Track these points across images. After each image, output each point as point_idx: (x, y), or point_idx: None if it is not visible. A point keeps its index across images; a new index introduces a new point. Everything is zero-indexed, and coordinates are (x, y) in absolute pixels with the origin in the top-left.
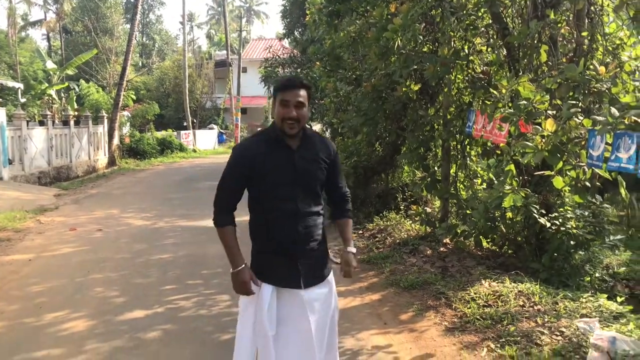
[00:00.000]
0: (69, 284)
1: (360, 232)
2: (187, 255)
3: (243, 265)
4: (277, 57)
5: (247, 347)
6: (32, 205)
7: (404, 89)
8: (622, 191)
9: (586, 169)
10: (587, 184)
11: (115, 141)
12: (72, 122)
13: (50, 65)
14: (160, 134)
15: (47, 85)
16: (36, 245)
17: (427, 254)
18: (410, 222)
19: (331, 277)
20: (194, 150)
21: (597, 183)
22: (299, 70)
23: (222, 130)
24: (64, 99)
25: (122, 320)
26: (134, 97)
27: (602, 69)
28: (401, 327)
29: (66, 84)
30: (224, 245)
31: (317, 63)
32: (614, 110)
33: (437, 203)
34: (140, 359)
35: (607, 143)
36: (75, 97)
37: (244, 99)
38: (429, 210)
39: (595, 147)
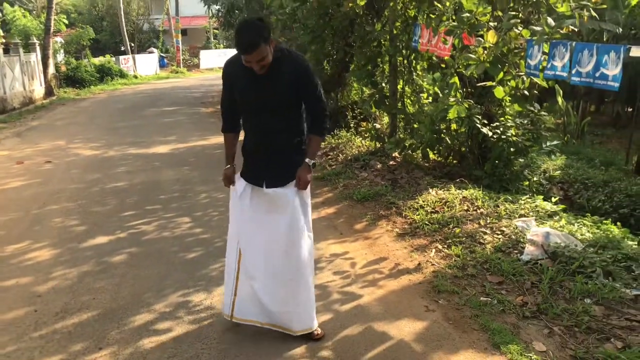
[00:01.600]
0: (25, 216)
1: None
2: (142, 182)
3: (228, 166)
4: None
5: (232, 227)
6: None
7: (350, 4)
8: (559, 99)
9: (525, 79)
10: (526, 92)
11: (51, 70)
12: (0, 51)
13: None
14: (98, 60)
15: None
16: None
17: (377, 168)
18: (361, 138)
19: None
20: (135, 76)
21: (535, 92)
22: None
23: (162, 54)
24: None
25: (86, 247)
26: (66, 22)
27: None
28: (356, 235)
29: None
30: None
31: None
32: (550, 20)
33: (386, 119)
34: (109, 281)
35: (544, 52)
36: (0, 23)
37: (183, 20)
38: (378, 126)
39: (532, 56)
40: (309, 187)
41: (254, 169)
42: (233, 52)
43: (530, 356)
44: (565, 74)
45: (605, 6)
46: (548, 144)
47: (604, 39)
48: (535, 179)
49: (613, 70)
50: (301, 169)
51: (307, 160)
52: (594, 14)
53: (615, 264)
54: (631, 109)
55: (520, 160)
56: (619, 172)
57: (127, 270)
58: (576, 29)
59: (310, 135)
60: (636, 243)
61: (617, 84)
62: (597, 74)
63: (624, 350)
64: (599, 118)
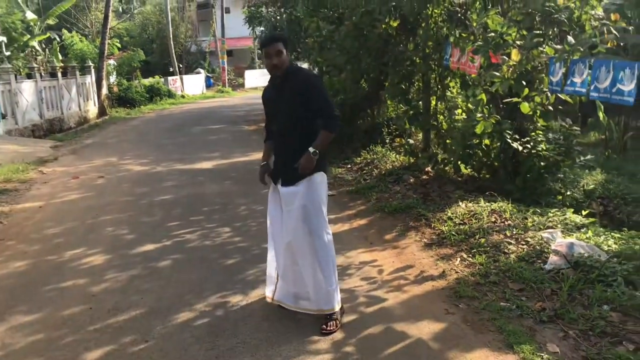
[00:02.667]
0: (80, 225)
1: (349, 166)
2: (187, 196)
3: (263, 163)
4: None
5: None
6: (31, 157)
7: (384, 25)
8: (601, 115)
9: (549, 94)
10: (550, 107)
11: (104, 91)
12: (59, 74)
13: (30, 15)
14: (148, 81)
15: (29, 36)
16: (43, 194)
17: (410, 182)
18: (395, 154)
19: (305, 182)
20: (183, 96)
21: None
22: (282, 9)
23: (209, 74)
24: (47, 50)
25: (135, 253)
26: (119, 45)
27: (560, 0)
28: (385, 245)
29: (48, 34)
30: None
31: (300, 2)
32: (570, 38)
33: (420, 135)
34: (156, 283)
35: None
36: (58, 47)
37: (229, 41)
38: (412, 141)
39: (554, 73)
40: (324, 186)
41: (275, 170)
42: None
43: (542, 356)
44: (584, 90)
45: (625, 24)
46: (581, 158)
47: None
48: (571, 193)
49: (628, 86)
50: (303, 156)
51: (309, 148)
52: (614, 32)
53: (638, 274)
54: None
55: (553, 174)
56: None
57: (171, 274)
58: (622, 43)
59: (321, 130)
60: None
61: (632, 99)
62: (614, 90)
63: (636, 353)
64: None
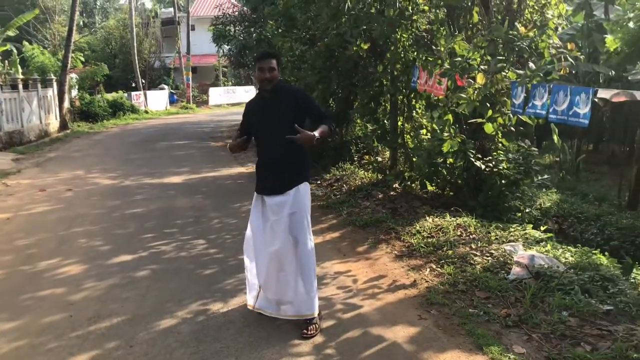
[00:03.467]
0: (53, 237)
1: (319, 182)
2: (159, 209)
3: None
4: (227, 14)
5: (249, 234)
6: None
7: (354, 48)
8: (555, 138)
9: (511, 116)
10: (512, 129)
11: (66, 104)
12: (20, 86)
13: None
14: (111, 96)
15: None
16: (10, 206)
17: (379, 197)
18: (364, 171)
19: (293, 191)
20: (146, 112)
21: (531, 131)
22: (252, 29)
23: (172, 91)
24: (7, 62)
25: (112, 263)
26: (82, 59)
27: (522, 28)
28: (358, 257)
29: (7, 45)
30: None
31: (271, 22)
32: (531, 64)
33: (387, 153)
34: (135, 292)
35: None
36: (18, 59)
37: (194, 58)
38: (380, 159)
39: (517, 96)
40: (308, 195)
41: (261, 182)
42: (241, 89)
43: (509, 356)
44: (544, 112)
45: (579, 54)
46: (539, 177)
47: (600, 81)
48: (530, 211)
49: (584, 109)
50: (304, 132)
51: (312, 132)
52: (570, 59)
53: (593, 283)
54: (628, 148)
55: (512, 192)
56: (611, 207)
57: (150, 283)
58: (574, 71)
59: (322, 124)
60: (617, 268)
61: (587, 122)
62: (571, 112)
63: (592, 353)
64: (596, 156)
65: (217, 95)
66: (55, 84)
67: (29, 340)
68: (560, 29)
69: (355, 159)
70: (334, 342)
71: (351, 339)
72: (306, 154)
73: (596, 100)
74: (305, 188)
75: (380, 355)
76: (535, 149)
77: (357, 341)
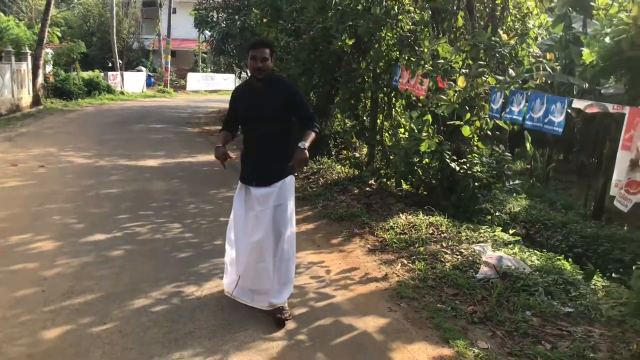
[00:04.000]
0: (26, 212)
1: (296, 174)
2: (134, 191)
3: (219, 145)
4: (210, 0)
5: (230, 223)
6: None
7: (339, 42)
8: (528, 145)
9: (488, 120)
10: (489, 132)
11: (40, 80)
12: None
13: None
14: (87, 75)
15: None
16: None
17: (354, 192)
18: (341, 165)
19: (280, 183)
20: (122, 93)
21: (504, 138)
22: (236, 16)
23: (150, 74)
24: None
25: (85, 241)
26: (59, 35)
27: (504, 36)
28: (332, 249)
29: None
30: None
31: (256, 11)
32: (511, 71)
33: (365, 149)
34: (109, 271)
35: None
36: None
37: (173, 42)
38: (357, 155)
39: (495, 101)
40: (292, 187)
41: (247, 172)
42: (220, 76)
43: (474, 350)
44: (520, 118)
45: (556, 64)
46: (511, 182)
47: (574, 92)
48: (499, 215)
49: (559, 117)
50: (297, 151)
51: (300, 143)
52: (548, 69)
53: (556, 286)
54: (597, 160)
55: (484, 195)
56: (577, 215)
57: (124, 263)
58: (549, 81)
59: (307, 129)
60: (579, 273)
61: (561, 130)
62: (546, 120)
63: (552, 351)
64: (566, 166)
65: (196, 81)
66: (29, 58)
67: (1, 312)
68: (540, 38)
69: (333, 153)
70: (305, 328)
71: (323, 326)
72: (291, 146)
73: (569, 111)
74: (290, 180)
75: (350, 343)
76: (509, 155)
77: (328, 329)
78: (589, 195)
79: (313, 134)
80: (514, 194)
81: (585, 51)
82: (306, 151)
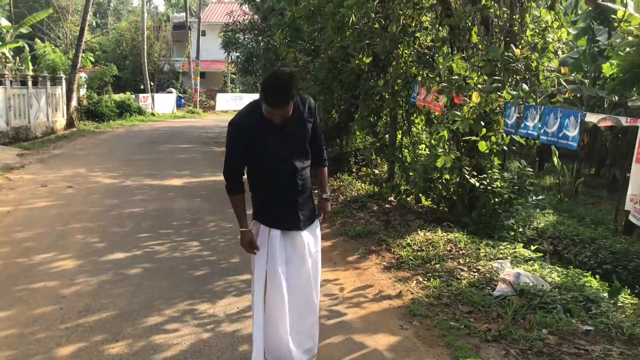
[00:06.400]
0: (50, 232)
1: (315, 191)
2: (157, 210)
3: (248, 229)
4: (237, 22)
5: (261, 285)
6: None
7: (357, 61)
8: (555, 160)
9: (504, 135)
10: (505, 147)
11: (74, 103)
12: (30, 83)
13: (3, 22)
14: (119, 97)
15: (0, 43)
16: (11, 200)
17: (373, 209)
18: (361, 182)
19: (315, 224)
20: (153, 114)
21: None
22: (260, 37)
23: (180, 95)
24: (18, 58)
25: (105, 260)
26: (92, 59)
27: (517, 51)
28: (347, 266)
29: (20, 42)
30: (234, 208)
31: (278, 32)
32: (524, 86)
33: (385, 166)
34: (126, 289)
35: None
36: (30, 56)
37: (203, 63)
38: (377, 172)
39: (509, 116)
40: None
41: (290, 214)
42: (248, 96)
43: None
44: (535, 133)
45: (577, 77)
46: (534, 198)
47: (605, 106)
48: (524, 231)
49: (573, 132)
50: (325, 204)
51: (325, 196)
52: (563, 83)
53: (575, 303)
54: (629, 174)
55: (506, 211)
56: (607, 231)
57: (141, 281)
58: (578, 95)
59: (320, 168)
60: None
61: (575, 144)
62: (560, 135)
63: None
64: (596, 180)
65: (225, 101)
66: (64, 82)
67: (19, 329)
68: (560, 52)
69: (354, 170)
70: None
71: (333, 344)
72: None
73: (599, 125)
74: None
75: None
76: (530, 169)
77: (338, 346)
78: (620, 210)
79: (326, 174)
80: (539, 210)
81: (606, 64)
82: (329, 204)
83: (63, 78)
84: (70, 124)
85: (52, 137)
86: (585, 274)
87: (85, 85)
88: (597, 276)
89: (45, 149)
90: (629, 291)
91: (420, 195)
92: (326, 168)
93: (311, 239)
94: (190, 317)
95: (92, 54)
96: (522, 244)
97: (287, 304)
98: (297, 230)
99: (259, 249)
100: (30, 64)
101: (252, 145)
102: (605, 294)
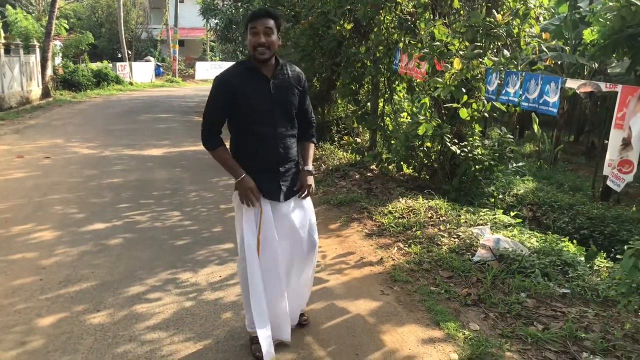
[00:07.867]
0: (28, 202)
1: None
2: (136, 180)
3: (245, 175)
4: None
5: (253, 250)
6: None
7: (338, 27)
8: (535, 127)
9: (485, 102)
10: (485, 114)
11: (49, 72)
12: (2, 51)
13: None
14: (96, 66)
15: None
16: None
17: (355, 178)
18: (343, 151)
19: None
20: (131, 83)
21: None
22: (239, 3)
23: (159, 63)
24: None
25: (85, 231)
26: (67, 26)
27: (499, 16)
28: (329, 234)
29: None
30: (221, 163)
31: None
32: (505, 52)
33: (367, 134)
34: (106, 259)
35: (501, 79)
36: (1, 24)
37: (181, 31)
38: (359, 140)
39: (491, 83)
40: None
41: (270, 183)
42: (228, 64)
43: (464, 332)
44: (516, 99)
45: (558, 44)
46: (514, 165)
47: (585, 73)
48: (504, 197)
49: (553, 98)
50: (307, 177)
51: (307, 168)
52: (544, 49)
53: (553, 268)
54: (606, 141)
55: (487, 178)
56: (585, 197)
57: (122, 251)
58: (559, 62)
59: (307, 142)
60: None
61: (555, 110)
62: (541, 101)
63: (544, 332)
64: (575, 147)
65: (204, 69)
66: (38, 50)
67: None
68: (541, 18)
69: (335, 139)
70: None
71: (316, 310)
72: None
73: (579, 92)
74: None
75: (340, 326)
76: (511, 137)
77: (320, 312)
78: (598, 176)
79: (313, 148)
80: (519, 177)
81: (587, 30)
82: (312, 177)
83: (37, 46)
84: (46, 93)
85: (27, 107)
86: (563, 239)
87: (61, 54)
88: (574, 241)
89: (21, 119)
90: (604, 255)
91: (402, 163)
92: (313, 145)
93: (298, 212)
94: (173, 286)
95: (66, 21)
96: (501, 211)
97: (274, 280)
98: (276, 201)
99: (260, 194)
100: (1, 31)
101: (235, 102)
102: (582, 258)
